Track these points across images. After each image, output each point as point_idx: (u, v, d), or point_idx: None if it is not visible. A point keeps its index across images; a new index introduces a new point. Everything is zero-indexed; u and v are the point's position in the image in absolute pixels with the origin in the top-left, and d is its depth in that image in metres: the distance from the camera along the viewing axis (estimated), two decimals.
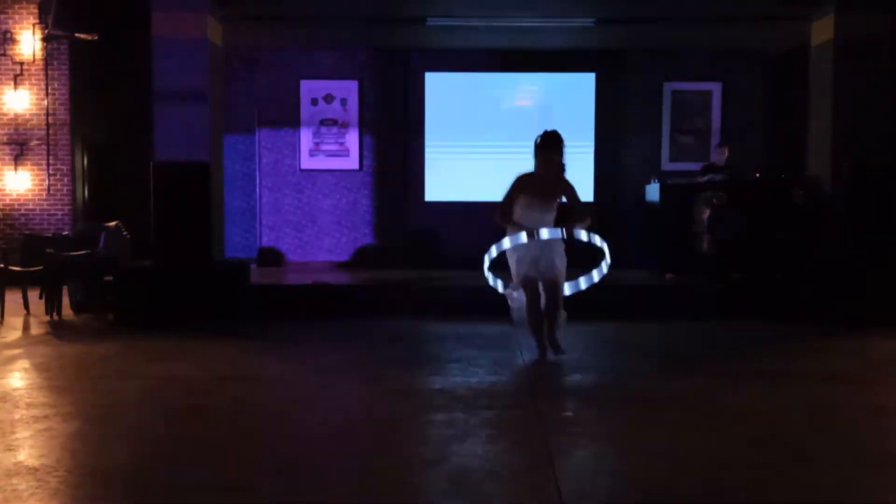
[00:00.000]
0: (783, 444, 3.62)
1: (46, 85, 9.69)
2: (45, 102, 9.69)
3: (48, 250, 7.44)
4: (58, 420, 4.00)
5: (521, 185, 5.27)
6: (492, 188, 10.33)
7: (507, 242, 5.24)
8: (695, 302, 7.58)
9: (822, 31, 8.09)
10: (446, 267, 9.58)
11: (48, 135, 9.71)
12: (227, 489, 3.06)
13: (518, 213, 5.26)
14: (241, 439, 3.72)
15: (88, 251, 7.43)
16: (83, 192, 9.96)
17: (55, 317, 7.29)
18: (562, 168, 5.28)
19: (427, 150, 10.55)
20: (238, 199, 10.83)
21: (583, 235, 5.14)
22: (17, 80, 9.64)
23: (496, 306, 6.90)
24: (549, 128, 5.29)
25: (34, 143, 9.72)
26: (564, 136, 5.34)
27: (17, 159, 9.70)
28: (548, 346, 5.33)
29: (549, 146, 5.23)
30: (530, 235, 5.09)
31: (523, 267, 5.28)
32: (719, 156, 8.93)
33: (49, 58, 9.69)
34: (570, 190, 5.30)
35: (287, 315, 7.35)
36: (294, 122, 10.57)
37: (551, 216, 5.32)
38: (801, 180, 8.40)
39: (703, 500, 2.97)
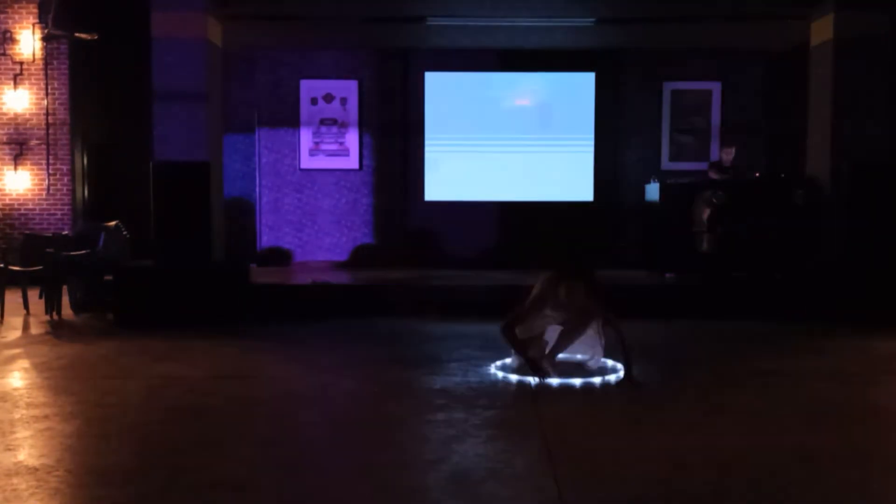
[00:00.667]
0: (783, 443, 3.63)
1: (46, 84, 9.69)
2: (45, 102, 9.69)
3: (48, 250, 7.44)
4: (58, 420, 4.00)
5: (545, 300, 4.98)
6: (492, 188, 10.42)
7: (510, 360, 5.19)
8: (694, 301, 7.58)
9: (821, 30, 8.09)
10: (446, 266, 9.59)
11: (48, 134, 9.71)
12: (228, 488, 3.06)
13: (534, 320, 5.01)
14: (241, 438, 3.72)
15: (88, 251, 7.43)
16: (83, 192, 9.96)
17: (55, 316, 7.29)
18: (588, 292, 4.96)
19: (427, 149, 10.55)
20: (237, 199, 10.82)
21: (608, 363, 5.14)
22: (16, 79, 9.64)
23: (496, 306, 6.89)
24: (574, 258, 4.99)
25: (34, 142, 9.72)
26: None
27: (17, 159, 9.70)
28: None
29: (572, 278, 4.93)
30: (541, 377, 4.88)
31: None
32: (726, 156, 8.99)
33: (49, 57, 9.69)
34: (596, 311, 4.99)
35: (287, 314, 7.35)
36: (294, 122, 10.56)
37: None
38: (801, 180, 8.40)
39: (703, 499, 2.97)
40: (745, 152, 10.46)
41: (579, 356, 5.28)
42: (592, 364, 5.22)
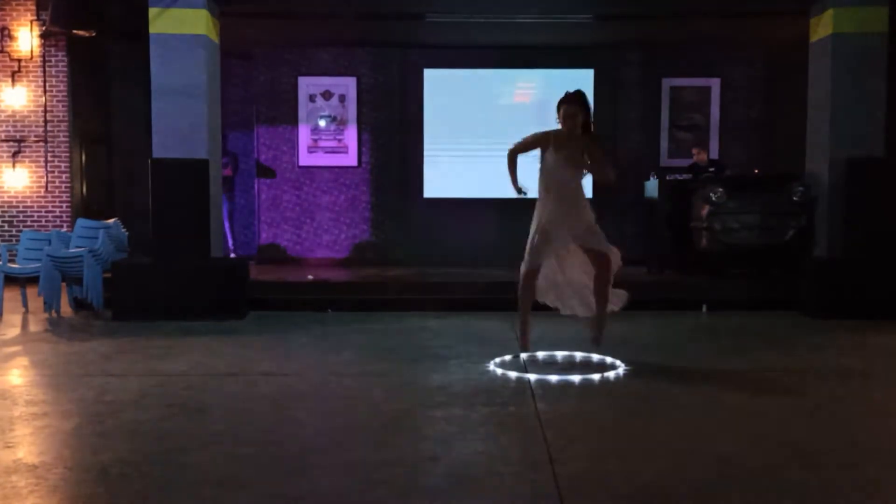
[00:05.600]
0: (783, 440, 3.63)
1: (44, 82, 9.68)
2: (43, 99, 9.68)
3: (46, 247, 7.43)
4: (57, 417, 4.00)
5: (539, 141, 5.10)
6: (491, 184, 10.41)
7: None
8: (693, 298, 7.59)
9: (820, 26, 8.09)
10: (445, 263, 9.59)
11: (46, 132, 9.70)
12: (226, 486, 3.06)
13: (539, 175, 5.13)
14: (240, 436, 3.72)
15: (87, 248, 7.42)
16: (81, 189, 9.95)
17: (54, 314, 7.29)
18: (587, 126, 5.03)
19: (426, 146, 10.54)
20: (237, 196, 10.82)
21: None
22: (14, 76, 9.63)
23: (495, 303, 6.90)
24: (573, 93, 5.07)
25: (32, 140, 9.71)
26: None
27: (16, 156, 9.69)
28: (591, 333, 5.23)
29: (571, 101, 5.02)
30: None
31: (535, 236, 5.13)
32: (697, 157, 9.19)
33: (47, 55, 9.67)
34: (593, 148, 5.05)
35: (285, 311, 7.36)
36: (292, 119, 10.55)
37: (574, 182, 5.07)
38: (800, 176, 8.40)
39: (703, 497, 2.98)
40: (744, 149, 10.51)
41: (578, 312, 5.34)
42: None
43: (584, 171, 5.13)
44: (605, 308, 5.19)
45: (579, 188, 5.14)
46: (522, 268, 5.24)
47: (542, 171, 5.15)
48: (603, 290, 5.13)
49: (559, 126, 5.09)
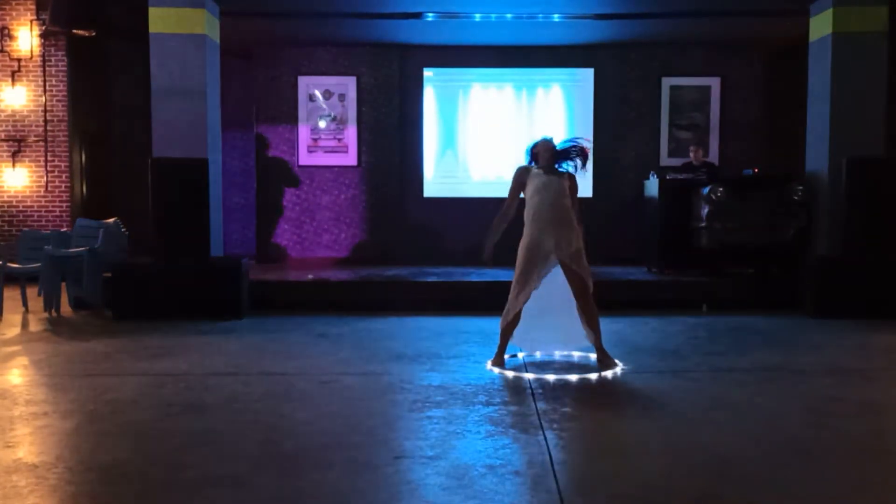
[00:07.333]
0: (782, 439, 3.63)
1: (44, 81, 9.68)
2: (43, 99, 9.68)
3: (46, 247, 7.43)
4: (57, 417, 4.00)
5: (520, 176, 5.29)
6: (491, 183, 10.41)
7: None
8: (693, 298, 7.60)
9: (820, 25, 8.09)
10: (445, 263, 9.59)
11: (46, 131, 9.70)
12: (226, 485, 3.06)
13: (525, 209, 5.24)
14: (240, 435, 3.72)
15: (87, 248, 7.42)
16: (81, 189, 9.96)
17: (54, 314, 7.29)
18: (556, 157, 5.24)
19: (425, 146, 10.54)
20: (236, 196, 10.83)
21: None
22: (14, 76, 9.63)
23: (495, 303, 6.89)
24: (547, 134, 5.40)
25: (32, 139, 9.71)
26: (563, 132, 5.35)
27: (15, 156, 9.69)
28: (599, 360, 5.15)
29: (545, 142, 5.30)
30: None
31: (524, 261, 5.14)
32: (693, 155, 9.23)
33: (47, 54, 9.68)
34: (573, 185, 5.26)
35: (285, 311, 7.36)
36: (292, 119, 10.55)
37: (561, 201, 5.11)
38: (800, 175, 8.41)
39: (703, 495, 2.98)
40: (744, 148, 10.51)
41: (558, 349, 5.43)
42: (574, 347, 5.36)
43: (569, 195, 5.15)
44: (598, 334, 5.15)
45: (568, 209, 5.12)
46: (508, 310, 5.18)
47: (528, 201, 5.21)
48: (592, 321, 5.12)
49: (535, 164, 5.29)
